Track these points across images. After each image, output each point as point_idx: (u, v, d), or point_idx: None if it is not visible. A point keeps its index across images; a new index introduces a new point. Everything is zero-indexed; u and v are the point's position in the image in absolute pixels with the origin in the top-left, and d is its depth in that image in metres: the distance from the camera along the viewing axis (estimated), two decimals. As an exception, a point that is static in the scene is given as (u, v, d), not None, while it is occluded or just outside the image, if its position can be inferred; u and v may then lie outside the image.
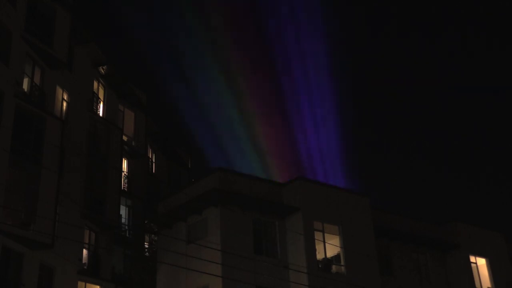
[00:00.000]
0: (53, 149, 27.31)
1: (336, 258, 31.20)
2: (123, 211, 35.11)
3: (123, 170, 35.75)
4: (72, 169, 29.91)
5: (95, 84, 34.83)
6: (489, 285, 37.09)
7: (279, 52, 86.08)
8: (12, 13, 27.68)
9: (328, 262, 30.54)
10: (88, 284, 30.38)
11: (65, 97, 31.40)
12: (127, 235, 35.36)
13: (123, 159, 35.79)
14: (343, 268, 30.62)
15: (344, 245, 31.00)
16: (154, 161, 41.94)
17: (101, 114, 34.84)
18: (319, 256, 30.15)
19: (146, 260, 35.72)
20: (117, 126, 34.78)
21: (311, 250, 29.53)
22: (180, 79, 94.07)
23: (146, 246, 37.10)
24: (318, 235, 30.24)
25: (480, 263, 37.59)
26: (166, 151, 43.47)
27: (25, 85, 28.45)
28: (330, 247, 30.70)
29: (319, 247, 30.19)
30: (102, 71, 35.33)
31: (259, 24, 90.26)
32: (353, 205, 32.39)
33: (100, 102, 35.23)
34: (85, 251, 30.64)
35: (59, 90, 30.82)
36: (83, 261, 30.35)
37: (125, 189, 35.94)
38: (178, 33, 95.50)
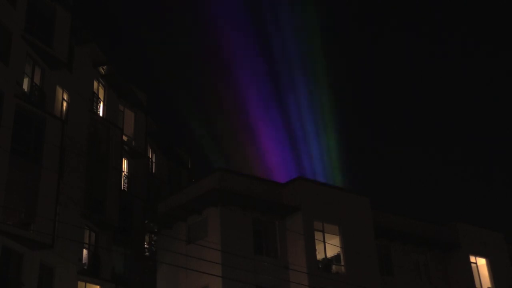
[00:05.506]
0: (53, 149, 27.31)
1: (336, 258, 31.22)
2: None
3: (123, 170, 35.75)
4: (72, 169, 29.90)
5: (95, 84, 34.82)
6: (489, 285, 37.10)
7: (278, 51, 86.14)
8: (12, 13, 27.68)
9: (328, 262, 30.55)
10: (88, 284, 30.37)
11: (65, 97, 31.40)
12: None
13: (123, 159, 35.79)
14: (343, 268, 30.64)
15: (344, 245, 31.02)
16: (154, 161, 41.93)
17: (101, 114, 34.84)
18: (319, 256, 30.16)
19: (146, 260, 35.72)
20: (117, 126, 34.77)
21: (311, 250, 29.55)
22: (180, 79, 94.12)
23: (146, 246, 37.10)
24: (318, 235, 30.26)
25: (480, 263, 37.60)
26: (166, 151, 43.47)
27: (25, 85, 28.45)
28: (330, 247, 30.72)
29: (319, 247, 30.21)
30: (102, 71, 35.31)
31: (258, 23, 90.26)
32: (353, 205, 32.41)
33: (100, 102, 35.23)
34: (85, 251, 30.64)
35: (59, 90, 30.82)
36: (83, 261, 30.35)
37: (125, 189, 35.95)
38: (178, 33, 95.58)
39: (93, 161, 32.01)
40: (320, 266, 29.89)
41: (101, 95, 35.54)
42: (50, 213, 26.05)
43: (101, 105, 35.39)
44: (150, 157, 41.21)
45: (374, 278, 31.39)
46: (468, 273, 36.43)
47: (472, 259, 37.18)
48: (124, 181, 35.96)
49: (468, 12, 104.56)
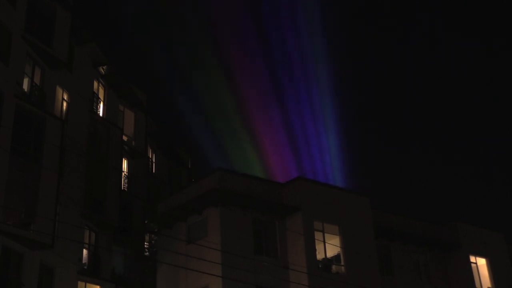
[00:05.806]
0: (53, 149, 27.31)
1: (336, 258, 31.23)
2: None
3: (123, 170, 35.76)
4: (72, 169, 29.90)
5: (95, 84, 34.83)
6: (489, 285, 37.10)
7: (279, 52, 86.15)
8: (12, 13, 27.69)
9: (328, 262, 30.57)
10: (88, 284, 30.37)
11: (65, 97, 31.41)
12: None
13: (123, 159, 35.79)
14: (343, 268, 30.64)
15: (344, 245, 31.02)
16: (154, 161, 41.93)
17: (101, 114, 34.84)
18: (319, 256, 30.17)
19: (146, 260, 35.72)
20: (117, 126, 34.78)
21: (311, 250, 29.55)
22: (180, 79, 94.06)
23: (146, 246, 37.10)
24: (318, 235, 30.26)
25: (480, 263, 37.61)
26: (166, 151, 43.48)
27: (25, 85, 28.45)
28: (330, 247, 30.72)
29: (319, 247, 30.22)
30: (102, 71, 35.32)
31: (258, 24, 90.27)
32: (353, 205, 32.41)
33: (100, 102, 35.23)
34: (85, 251, 30.64)
35: (59, 90, 30.83)
36: (83, 261, 30.36)
37: (125, 189, 35.95)
38: (178, 33, 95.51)
39: (93, 161, 32.01)
40: (320, 266, 29.90)
41: (101, 95, 35.55)
42: (50, 213, 26.05)
43: (101, 105, 35.40)
44: (150, 157, 41.22)
45: (374, 278, 31.39)
46: (468, 273, 36.43)
47: (472, 259, 37.18)
48: (124, 181, 35.97)
49: (468, 12, 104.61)
